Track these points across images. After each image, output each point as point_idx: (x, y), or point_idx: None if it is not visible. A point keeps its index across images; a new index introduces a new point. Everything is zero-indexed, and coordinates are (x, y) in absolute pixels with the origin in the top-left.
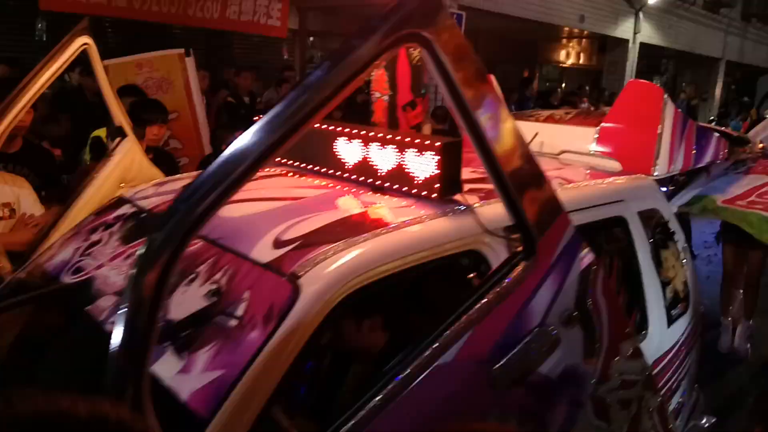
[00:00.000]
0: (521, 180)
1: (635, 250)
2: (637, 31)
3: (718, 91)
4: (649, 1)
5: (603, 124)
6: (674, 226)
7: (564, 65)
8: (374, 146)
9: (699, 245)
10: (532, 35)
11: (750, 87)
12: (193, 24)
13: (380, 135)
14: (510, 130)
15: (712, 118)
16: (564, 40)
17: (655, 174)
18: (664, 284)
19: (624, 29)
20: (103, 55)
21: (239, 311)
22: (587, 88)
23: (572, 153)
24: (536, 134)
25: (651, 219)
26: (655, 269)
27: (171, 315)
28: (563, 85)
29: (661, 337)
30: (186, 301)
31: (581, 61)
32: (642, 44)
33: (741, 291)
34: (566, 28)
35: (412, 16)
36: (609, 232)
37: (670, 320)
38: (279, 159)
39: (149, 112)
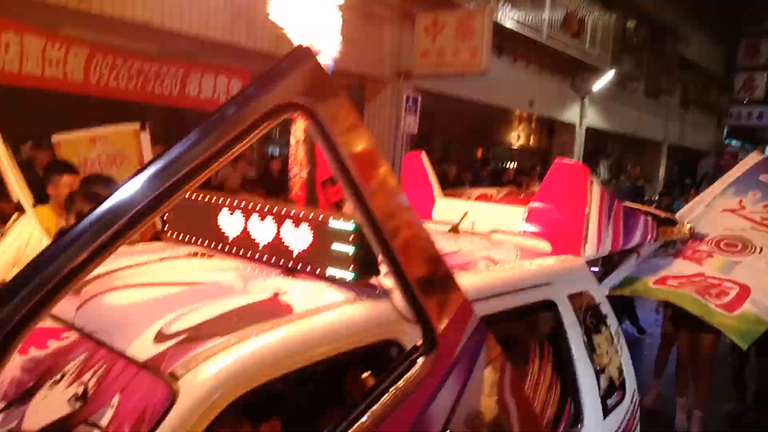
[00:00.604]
0: (414, 261)
1: (566, 336)
2: (583, 116)
3: (662, 173)
4: (594, 89)
5: (531, 204)
6: (606, 309)
7: (516, 146)
8: (288, 224)
9: (650, 323)
10: (487, 117)
11: (692, 168)
12: (151, 101)
13: (292, 212)
14: (401, 208)
15: (654, 198)
16: (516, 123)
17: (585, 255)
18: (598, 372)
19: (571, 114)
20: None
21: (105, 419)
22: (537, 168)
23: (503, 233)
24: (466, 213)
25: (582, 302)
26: (588, 356)
27: (26, 424)
28: (515, 164)
29: (598, 430)
30: (46, 406)
31: (532, 143)
32: (588, 128)
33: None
34: (517, 112)
35: (295, 84)
36: (538, 317)
37: (606, 411)
38: (176, 236)
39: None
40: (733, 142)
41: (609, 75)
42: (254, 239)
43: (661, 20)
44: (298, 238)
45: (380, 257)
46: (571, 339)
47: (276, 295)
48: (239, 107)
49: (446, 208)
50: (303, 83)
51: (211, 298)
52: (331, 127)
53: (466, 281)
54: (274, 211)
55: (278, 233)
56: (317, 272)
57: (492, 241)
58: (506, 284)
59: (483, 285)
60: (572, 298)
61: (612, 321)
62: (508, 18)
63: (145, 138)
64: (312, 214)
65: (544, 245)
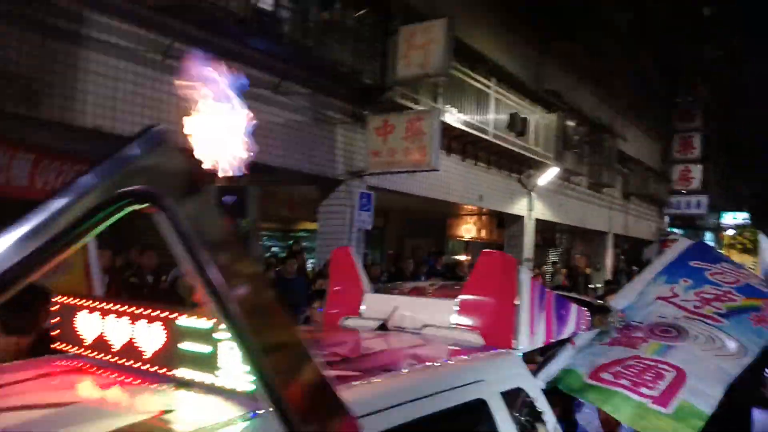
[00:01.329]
0: (292, 385)
1: None
2: (531, 209)
3: (609, 261)
4: (539, 183)
5: (462, 296)
6: (542, 405)
7: (468, 239)
8: (141, 323)
9: None
10: (440, 212)
11: (638, 256)
12: None
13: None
14: (282, 330)
15: (599, 286)
16: (467, 217)
17: (517, 348)
18: None
19: (519, 207)
20: None
21: None
22: None
23: (434, 327)
24: (396, 308)
25: (516, 399)
26: None
27: None
28: (468, 257)
29: None
30: None
31: (483, 236)
32: (537, 220)
33: None
34: (471, 207)
35: (144, 170)
36: (468, 419)
37: None
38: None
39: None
40: (675, 230)
41: (553, 170)
42: (139, 347)
43: (599, 119)
44: (151, 338)
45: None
46: None
47: (161, 413)
48: (68, 196)
49: (376, 304)
50: (153, 170)
51: (90, 419)
52: (191, 226)
53: (387, 385)
54: (130, 311)
55: (134, 334)
56: (168, 374)
57: (422, 337)
58: (432, 385)
59: (406, 388)
60: (505, 395)
61: (549, 417)
62: (456, 119)
63: (91, 242)
64: (167, 311)
65: (476, 339)
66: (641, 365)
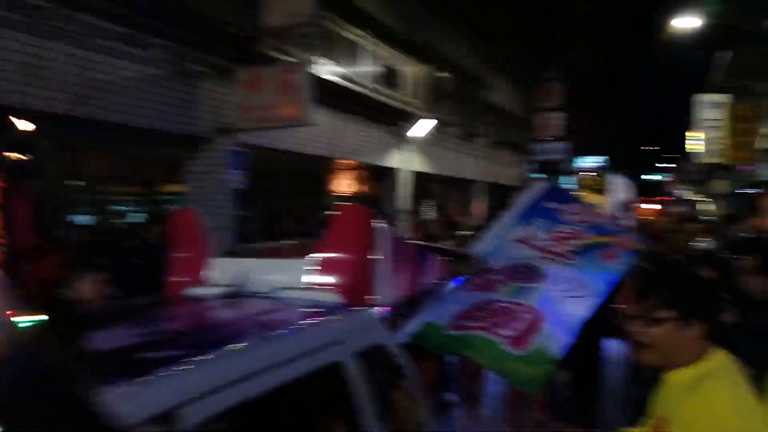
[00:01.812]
0: None
1: (356, 400)
2: (407, 161)
3: (480, 209)
4: (414, 135)
5: (318, 254)
6: (404, 360)
7: (349, 194)
8: None
9: None
10: (317, 168)
11: (506, 201)
12: None
13: None
14: None
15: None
16: (346, 172)
17: (377, 304)
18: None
19: (395, 159)
20: None
21: None
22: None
23: (289, 289)
24: (246, 272)
25: (375, 358)
26: (384, 416)
27: None
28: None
29: None
30: None
31: (362, 190)
32: (414, 172)
33: None
34: (346, 161)
35: None
36: (321, 385)
37: None
38: None
39: None
40: (539, 176)
41: (428, 122)
42: None
43: (468, 70)
44: None
45: None
46: (362, 402)
47: None
48: None
49: (225, 269)
50: None
51: None
52: None
53: (230, 358)
54: None
55: None
56: None
57: (276, 301)
58: (280, 354)
59: (252, 359)
60: (363, 355)
61: (409, 371)
62: (329, 71)
63: None
64: None
65: (333, 298)
66: (499, 307)
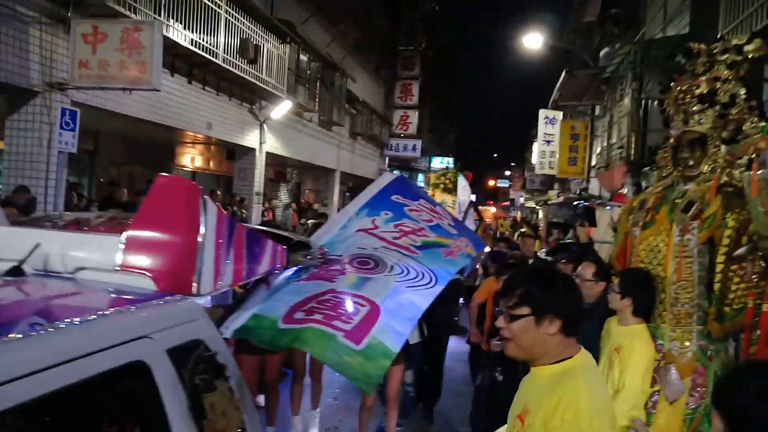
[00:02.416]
0: None
1: (162, 407)
2: (262, 141)
3: (335, 198)
4: (272, 116)
5: (130, 232)
6: (226, 358)
7: (197, 170)
8: None
9: None
10: (164, 138)
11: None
12: None
13: None
14: None
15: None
16: (195, 146)
17: (198, 293)
18: None
19: (250, 139)
20: None
21: None
22: (219, 192)
23: (92, 270)
24: (38, 245)
25: (190, 356)
26: (195, 424)
27: None
28: None
29: None
30: None
31: (212, 166)
32: (269, 153)
33: None
34: (199, 135)
35: None
36: (119, 391)
37: None
38: None
39: None
40: (394, 171)
41: (286, 104)
42: None
43: (330, 57)
44: None
45: None
46: (170, 409)
47: None
48: None
49: (12, 240)
50: None
51: None
52: None
53: None
54: None
55: None
56: None
57: (74, 283)
58: (61, 350)
59: (20, 356)
60: (175, 352)
61: (232, 371)
62: (181, 36)
63: None
64: None
65: (146, 283)
66: (336, 299)
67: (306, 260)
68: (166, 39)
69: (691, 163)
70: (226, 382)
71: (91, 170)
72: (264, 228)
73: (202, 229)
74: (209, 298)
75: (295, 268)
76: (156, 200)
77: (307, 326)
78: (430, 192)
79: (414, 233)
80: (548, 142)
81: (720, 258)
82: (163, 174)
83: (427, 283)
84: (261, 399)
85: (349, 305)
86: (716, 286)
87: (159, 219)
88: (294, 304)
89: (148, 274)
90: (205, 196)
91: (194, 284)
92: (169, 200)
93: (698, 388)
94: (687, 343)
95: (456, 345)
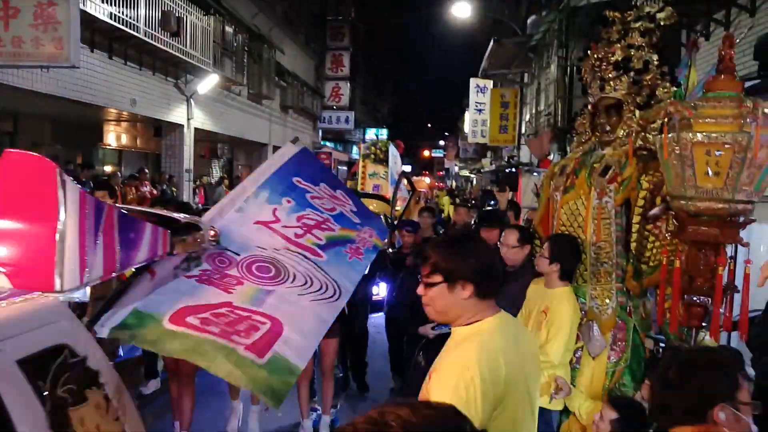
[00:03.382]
0: None
1: (12, 429)
2: (190, 117)
3: None
4: (199, 90)
5: None
6: (98, 362)
7: (124, 148)
8: None
9: None
10: (88, 116)
11: None
12: None
13: None
14: None
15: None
16: (120, 123)
17: (62, 289)
18: None
19: (177, 114)
20: None
21: None
22: (147, 171)
23: None
24: None
25: (50, 364)
26: None
27: None
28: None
29: None
30: None
31: (139, 144)
32: (198, 129)
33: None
34: (123, 112)
35: None
36: None
37: None
38: None
39: None
40: (328, 144)
41: (212, 77)
42: None
43: (257, 28)
44: None
45: None
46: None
47: None
48: None
49: None
50: None
51: None
52: None
53: None
54: None
55: None
56: None
57: None
58: None
59: None
60: (29, 362)
61: (108, 377)
62: (100, 9)
63: None
64: None
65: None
66: (233, 315)
67: (198, 246)
68: (83, 13)
69: (607, 128)
70: (100, 390)
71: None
72: (147, 210)
73: (61, 215)
74: (86, 291)
75: (182, 256)
76: (5, 182)
77: (205, 337)
78: (361, 163)
79: (318, 227)
80: (480, 110)
81: (636, 218)
82: (11, 150)
83: (331, 296)
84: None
85: (247, 323)
86: (633, 246)
87: (9, 204)
88: (184, 306)
89: (2, 270)
90: (64, 175)
91: (56, 279)
92: (20, 182)
93: (619, 342)
94: (607, 301)
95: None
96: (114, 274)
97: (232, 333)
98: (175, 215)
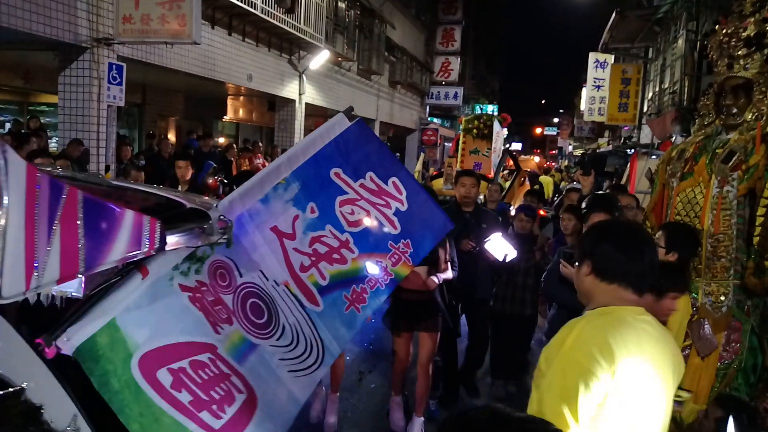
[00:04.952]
0: None
1: None
2: (301, 92)
3: None
4: (311, 66)
5: None
6: (46, 391)
7: (240, 121)
8: None
9: None
10: (208, 91)
11: (401, 144)
12: None
13: None
14: None
15: None
16: (238, 98)
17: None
18: None
19: (290, 90)
20: None
21: None
22: (260, 144)
23: None
24: None
25: None
26: None
27: None
28: (238, 140)
29: None
30: None
31: (254, 118)
32: (309, 104)
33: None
34: (240, 87)
35: None
36: None
37: None
38: None
39: None
40: (435, 120)
41: (324, 53)
42: None
43: (369, 3)
44: None
45: None
46: None
47: None
48: None
49: None
50: None
51: None
52: None
53: None
54: None
55: None
56: None
57: None
58: None
59: None
60: None
61: (63, 409)
62: None
63: None
64: None
65: None
66: (214, 370)
67: (207, 239)
68: None
69: (734, 110)
70: (42, 428)
71: (140, 123)
72: (135, 186)
73: (3, 200)
74: (80, 284)
75: (182, 251)
76: None
77: (168, 411)
78: (461, 138)
79: (328, 257)
80: (598, 87)
81: (761, 210)
82: None
83: (311, 365)
84: None
85: (225, 387)
86: (756, 240)
87: None
88: (163, 345)
89: None
90: (5, 146)
91: None
92: None
93: (732, 344)
94: (722, 298)
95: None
96: (78, 276)
97: (205, 404)
98: (180, 198)
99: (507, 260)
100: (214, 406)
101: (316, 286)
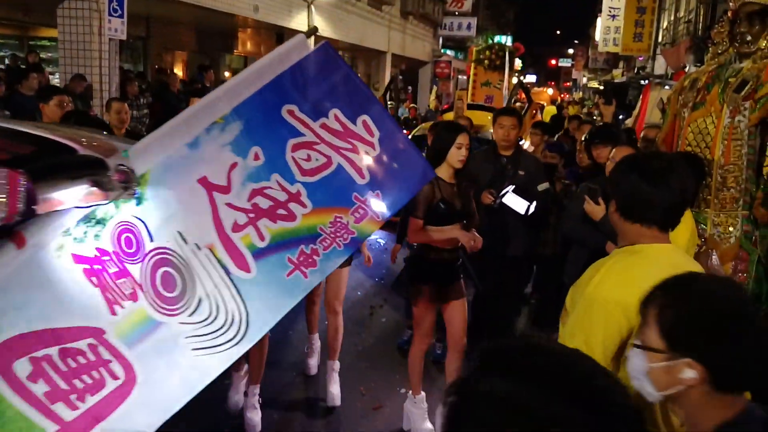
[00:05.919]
0: None
1: None
2: (310, 24)
3: (386, 82)
4: None
5: None
6: None
7: (248, 54)
8: None
9: None
10: (213, 23)
11: (413, 77)
12: None
13: None
14: None
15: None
16: (248, 30)
17: None
18: None
19: (298, 21)
20: None
21: None
22: None
23: None
24: None
25: None
26: None
27: None
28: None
29: None
30: None
31: (263, 51)
32: (318, 36)
33: None
34: (247, 19)
35: None
36: None
37: None
38: None
39: None
40: (448, 52)
41: None
42: None
43: None
44: None
45: None
46: None
47: None
48: None
49: None
50: None
51: None
52: None
53: None
54: None
55: None
56: None
57: None
58: None
59: None
60: None
61: None
62: None
63: None
64: None
65: None
66: (91, 356)
67: (105, 196)
68: None
69: (748, 38)
70: None
71: (145, 57)
72: (9, 127)
73: None
74: None
75: (74, 212)
76: None
77: (17, 404)
78: (472, 70)
79: (271, 213)
80: (613, 16)
81: None
82: None
83: (227, 341)
84: None
85: (98, 373)
86: (765, 170)
87: None
88: (33, 330)
89: None
90: None
91: None
92: None
93: (739, 274)
94: (731, 229)
95: None
96: None
97: (61, 396)
98: (70, 143)
99: (530, 212)
100: (73, 396)
101: (251, 248)
